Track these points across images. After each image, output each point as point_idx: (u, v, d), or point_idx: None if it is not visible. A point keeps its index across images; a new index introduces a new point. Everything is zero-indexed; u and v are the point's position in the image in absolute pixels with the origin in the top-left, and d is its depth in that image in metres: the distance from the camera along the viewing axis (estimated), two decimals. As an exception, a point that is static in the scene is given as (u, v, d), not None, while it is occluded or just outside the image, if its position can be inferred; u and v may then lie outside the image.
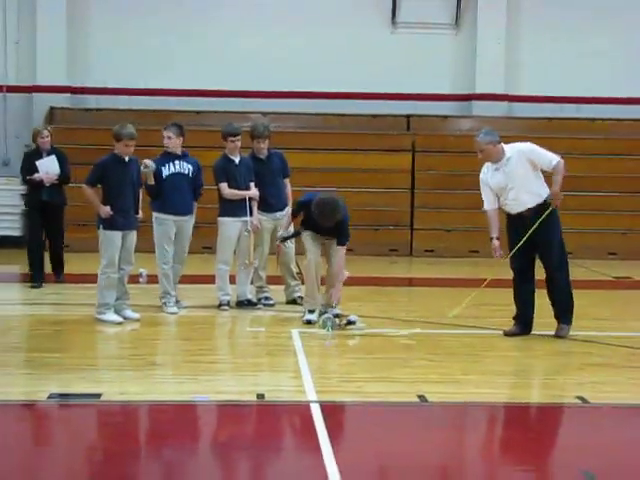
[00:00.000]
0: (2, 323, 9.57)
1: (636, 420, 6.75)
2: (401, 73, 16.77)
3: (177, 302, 10.04)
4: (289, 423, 6.61)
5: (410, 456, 5.65)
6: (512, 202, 8.90)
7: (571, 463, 5.61)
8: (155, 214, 9.90)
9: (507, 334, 9.02)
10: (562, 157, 8.97)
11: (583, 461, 5.62)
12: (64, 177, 11.48)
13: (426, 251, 15.98)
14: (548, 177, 8.96)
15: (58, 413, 6.68)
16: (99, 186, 9.49)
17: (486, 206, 9.04)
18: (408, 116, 16.75)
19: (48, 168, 11.37)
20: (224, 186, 10.09)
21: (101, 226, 9.37)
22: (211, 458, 5.75)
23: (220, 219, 10.21)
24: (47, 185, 11.37)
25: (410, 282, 13.95)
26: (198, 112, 16.24)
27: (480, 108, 16.97)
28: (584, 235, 15.20)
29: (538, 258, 9.04)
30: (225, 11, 16.87)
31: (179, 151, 9.98)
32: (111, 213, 9.29)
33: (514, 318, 9.11)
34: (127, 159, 9.45)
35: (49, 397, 6.65)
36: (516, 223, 8.93)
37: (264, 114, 15.76)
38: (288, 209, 10.38)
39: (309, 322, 9.41)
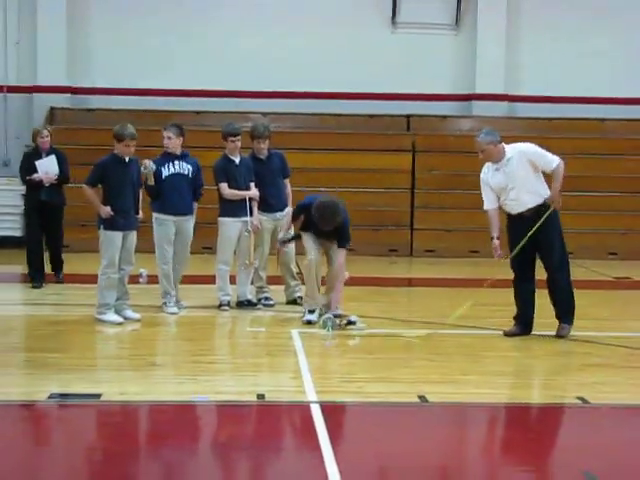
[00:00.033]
0: (3, 323, 9.57)
1: (636, 420, 6.76)
2: (401, 73, 16.79)
3: (178, 302, 10.05)
4: (289, 423, 6.61)
5: (410, 456, 5.65)
6: (512, 202, 8.91)
7: (571, 463, 5.61)
8: (155, 214, 9.91)
9: (507, 334, 9.02)
10: (562, 157, 8.98)
11: (583, 461, 5.62)
12: (63, 177, 11.48)
13: (426, 251, 15.98)
14: (548, 177, 8.96)
15: (58, 413, 6.68)
16: (99, 186, 9.49)
17: (486, 206, 9.04)
18: (408, 116, 16.76)
19: (47, 168, 11.37)
20: (224, 186, 10.09)
21: (101, 226, 9.37)
22: (211, 458, 5.75)
23: (220, 219, 10.21)
24: (46, 185, 11.37)
25: (410, 282, 13.96)
26: (198, 112, 16.26)
27: (480, 108, 16.98)
28: (584, 235, 15.20)
29: (539, 258, 9.04)
30: (225, 11, 16.88)
31: (179, 151, 9.98)
32: (111, 213, 9.29)
33: (514, 318, 9.12)
34: (127, 159, 9.45)
35: (49, 397, 6.65)
36: (516, 223, 8.93)
37: (264, 114, 15.80)
38: (288, 209, 10.39)
39: (309, 322, 9.41)
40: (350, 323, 9.22)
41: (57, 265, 11.80)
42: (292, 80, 16.49)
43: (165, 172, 9.86)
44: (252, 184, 10.21)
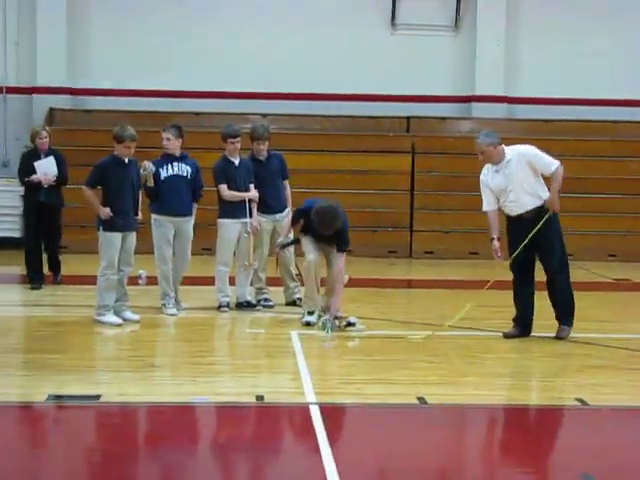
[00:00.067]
0: (2, 324, 9.56)
1: (635, 422, 6.75)
2: (401, 75, 16.78)
3: (178, 303, 10.05)
4: (288, 425, 6.61)
5: (409, 458, 5.65)
6: (512, 204, 8.90)
7: (570, 465, 5.60)
8: (153, 216, 9.91)
9: (506, 336, 9.01)
10: (561, 159, 8.99)
11: (582, 463, 5.62)
12: (62, 178, 11.47)
13: (425, 253, 15.96)
14: (548, 179, 8.96)
15: (57, 414, 6.68)
16: (99, 187, 9.49)
17: (485, 207, 9.04)
18: (408, 118, 16.75)
19: (46, 169, 11.36)
20: (224, 188, 10.09)
21: (101, 227, 9.36)
22: (210, 460, 5.75)
23: (220, 220, 10.21)
24: (45, 186, 11.36)
25: (409, 284, 13.95)
26: (197, 113, 16.25)
27: (480, 110, 16.97)
28: (584, 237, 15.19)
29: (538, 260, 9.04)
30: (225, 11, 16.87)
31: (178, 153, 9.98)
32: (111, 214, 9.29)
33: (514, 320, 9.11)
34: (127, 161, 9.45)
35: (48, 398, 6.65)
36: (516, 225, 8.93)
37: (263, 116, 15.78)
38: (288, 210, 10.39)
39: (308, 324, 9.40)
40: (349, 324, 9.22)
41: (55, 267, 11.78)
42: (291, 81, 16.48)
43: (164, 173, 9.86)
44: (252, 185, 10.21)
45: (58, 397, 6.72)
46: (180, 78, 16.64)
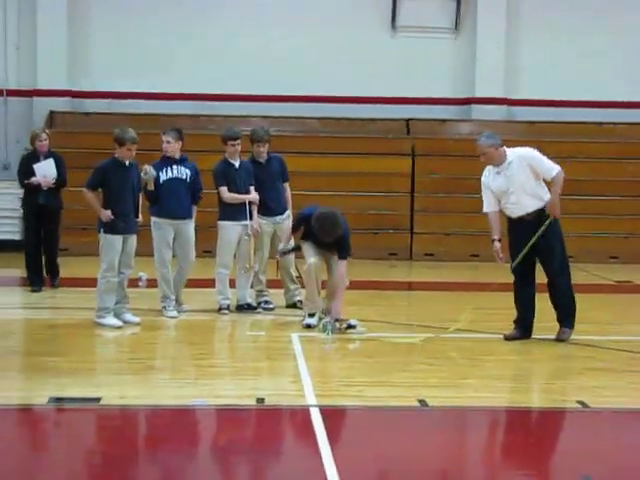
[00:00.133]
0: (2, 327, 9.54)
1: (636, 425, 6.74)
2: (401, 77, 16.79)
3: (180, 305, 10.05)
4: (289, 427, 6.61)
5: (410, 460, 5.64)
6: (513, 206, 8.90)
7: (571, 468, 5.60)
8: (153, 218, 9.91)
9: (507, 338, 9.00)
10: (561, 161, 8.98)
11: (583, 466, 5.61)
12: (61, 181, 11.46)
13: (426, 255, 15.95)
14: (548, 182, 8.95)
15: (57, 417, 6.67)
16: (100, 190, 9.48)
17: (486, 208, 9.03)
18: (408, 120, 16.77)
19: (46, 172, 11.35)
20: (224, 190, 10.09)
21: (102, 230, 9.36)
22: (211, 462, 5.74)
23: (220, 223, 10.21)
24: (44, 189, 11.35)
25: (410, 286, 13.94)
26: (198, 116, 16.27)
27: (480, 112, 16.98)
28: (585, 239, 15.20)
29: (539, 262, 9.03)
30: (225, 11, 16.89)
31: (178, 156, 9.98)
32: (112, 217, 9.28)
33: (514, 322, 9.10)
34: (128, 163, 9.45)
35: (49, 401, 6.64)
36: (517, 227, 8.92)
37: (264, 118, 15.78)
38: (288, 213, 10.39)
39: (309, 326, 9.40)
40: (350, 327, 9.21)
41: (52, 271, 11.73)
42: (292, 83, 16.49)
43: (163, 176, 9.86)
44: (252, 188, 10.21)
45: (59, 400, 6.71)
46: (180, 80, 16.64)
